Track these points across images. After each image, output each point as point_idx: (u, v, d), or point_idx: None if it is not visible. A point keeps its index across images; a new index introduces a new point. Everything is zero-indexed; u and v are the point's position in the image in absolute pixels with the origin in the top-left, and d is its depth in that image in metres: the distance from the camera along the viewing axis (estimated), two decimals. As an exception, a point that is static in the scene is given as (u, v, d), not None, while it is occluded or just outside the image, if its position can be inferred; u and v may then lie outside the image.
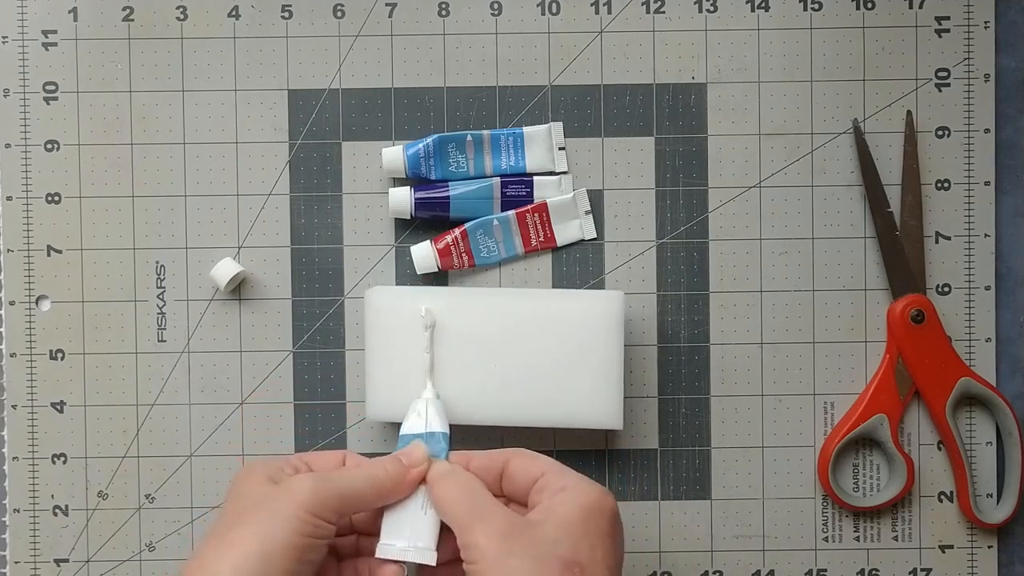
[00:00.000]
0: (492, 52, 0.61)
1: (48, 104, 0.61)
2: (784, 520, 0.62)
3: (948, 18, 0.62)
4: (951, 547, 0.62)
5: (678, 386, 0.62)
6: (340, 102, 0.62)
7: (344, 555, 0.52)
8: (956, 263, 0.62)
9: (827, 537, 0.62)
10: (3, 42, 0.61)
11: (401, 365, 0.56)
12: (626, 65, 0.62)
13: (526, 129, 0.61)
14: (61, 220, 0.61)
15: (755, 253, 0.62)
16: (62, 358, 0.61)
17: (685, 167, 0.62)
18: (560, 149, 0.61)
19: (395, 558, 0.49)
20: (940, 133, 0.62)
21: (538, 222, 0.61)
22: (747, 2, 0.62)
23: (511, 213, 0.61)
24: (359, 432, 0.61)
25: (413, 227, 0.62)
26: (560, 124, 0.61)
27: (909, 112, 0.61)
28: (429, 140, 0.60)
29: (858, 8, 0.62)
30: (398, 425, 0.61)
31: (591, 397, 0.57)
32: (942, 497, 0.62)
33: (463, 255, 0.61)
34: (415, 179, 0.61)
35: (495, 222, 0.61)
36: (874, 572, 0.62)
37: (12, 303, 0.61)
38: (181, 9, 0.61)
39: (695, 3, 0.62)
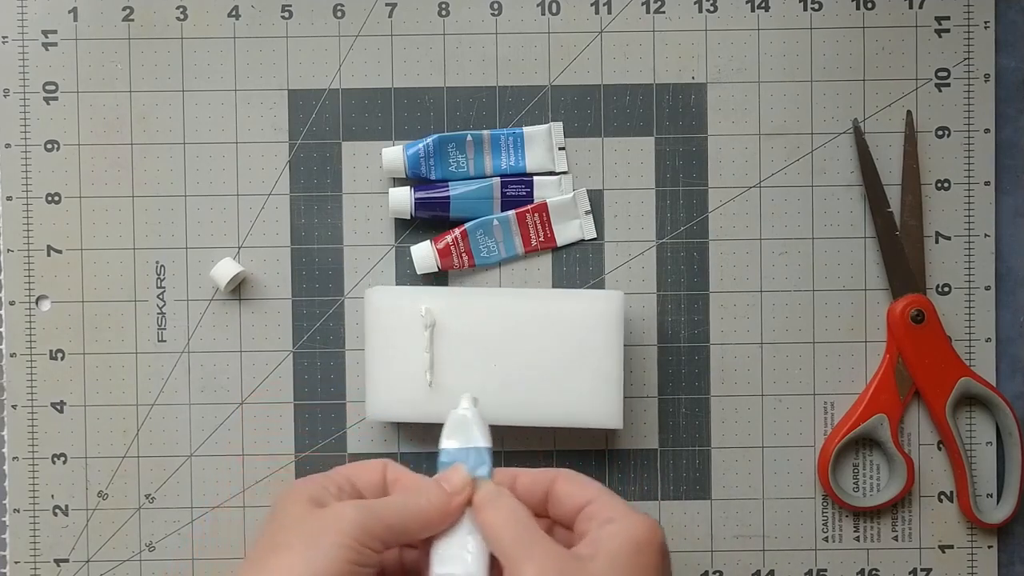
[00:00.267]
0: (492, 52, 0.61)
1: (48, 104, 0.61)
2: (784, 520, 0.62)
3: (948, 18, 0.62)
4: (951, 547, 0.62)
5: (678, 386, 0.62)
6: (340, 102, 0.62)
7: (389, 574, 0.51)
8: (956, 263, 0.62)
9: (827, 537, 0.62)
10: (3, 42, 0.61)
11: (401, 365, 0.56)
12: (626, 65, 0.62)
13: (526, 129, 0.61)
14: (61, 220, 0.61)
15: (755, 253, 0.62)
16: (62, 358, 0.61)
17: (685, 167, 0.62)
18: (560, 149, 0.61)
19: None
20: (940, 133, 0.62)
21: (538, 222, 0.61)
22: (747, 2, 0.62)
23: (511, 213, 0.61)
24: (359, 432, 0.61)
25: (413, 227, 0.62)
26: (560, 124, 0.61)
27: (909, 112, 0.61)
28: (429, 140, 0.60)
29: (858, 8, 0.62)
30: (398, 425, 0.61)
31: (591, 397, 0.57)
32: (942, 497, 0.62)
33: (463, 255, 0.61)
34: (415, 179, 0.61)
35: (495, 222, 0.61)
36: (874, 572, 0.62)
37: (12, 303, 0.61)
38: (181, 9, 0.61)
39: (695, 3, 0.62)
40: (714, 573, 0.62)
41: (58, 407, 0.61)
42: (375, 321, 0.57)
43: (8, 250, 0.61)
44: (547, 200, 0.61)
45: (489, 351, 0.57)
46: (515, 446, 0.61)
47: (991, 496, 0.62)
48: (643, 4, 0.62)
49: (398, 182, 0.61)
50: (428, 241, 0.61)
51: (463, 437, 0.49)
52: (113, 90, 0.61)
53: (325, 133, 0.62)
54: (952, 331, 0.61)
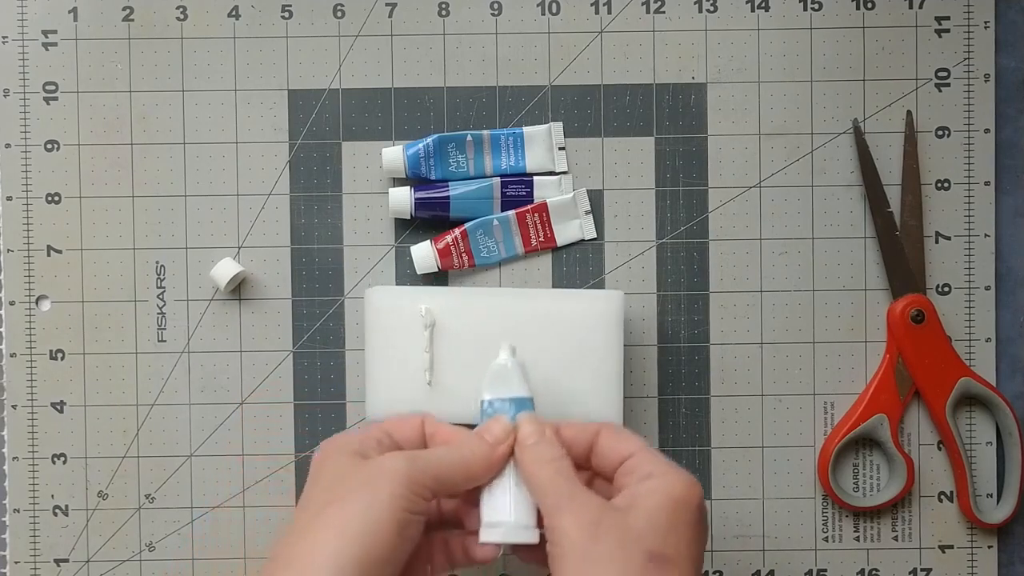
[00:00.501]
0: (492, 52, 0.61)
1: (48, 104, 0.61)
2: (784, 520, 0.62)
3: (948, 18, 0.62)
4: (951, 547, 0.62)
5: (678, 386, 0.62)
6: (340, 102, 0.62)
7: (430, 526, 0.51)
8: (956, 263, 0.62)
9: (827, 537, 0.62)
10: (3, 42, 0.61)
11: (401, 365, 0.56)
12: (626, 65, 0.62)
13: (526, 129, 0.61)
14: (61, 220, 0.61)
15: (755, 253, 0.62)
16: (62, 358, 0.61)
17: (685, 167, 0.62)
18: (560, 149, 0.61)
19: (499, 541, 0.48)
20: (940, 133, 0.62)
21: (538, 222, 0.61)
22: (747, 2, 0.62)
23: (511, 213, 0.61)
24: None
25: (413, 227, 0.62)
26: (560, 124, 0.61)
27: (909, 112, 0.61)
28: (429, 140, 0.60)
29: (858, 8, 0.62)
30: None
31: (591, 397, 0.56)
32: (942, 497, 0.62)
33: (463, 255, 0.61)
34: (415, 179, 0.61)
35: (495, 222, 0.61)
36: (874, 572, 0.62)
37: (12, 303, 0.61)
38: (181, 9, 0.61)
39: (695, 3, 0.62)
40: (714, 573, 0.62)
41: (58, 407, 0.61)
42: (375, 321, 0.57)
43: (8, 250, 0.61)
44: (547, 200, 0.61)
45: (489, 351, 0.56)
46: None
47: (991, 496, 0.62)
48: (643, 4, 0.62)
49: (398, 182, 0.61)
50: (428, 241, 0.61)
51: (504, 388, 0.50)
52: (113, 90, 0.61)
53: (325, 133, 0.62)
54: (952, 331, 0.61)
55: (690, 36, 0.62)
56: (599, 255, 0.62)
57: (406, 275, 0.62)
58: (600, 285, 0.62)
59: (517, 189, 0.61)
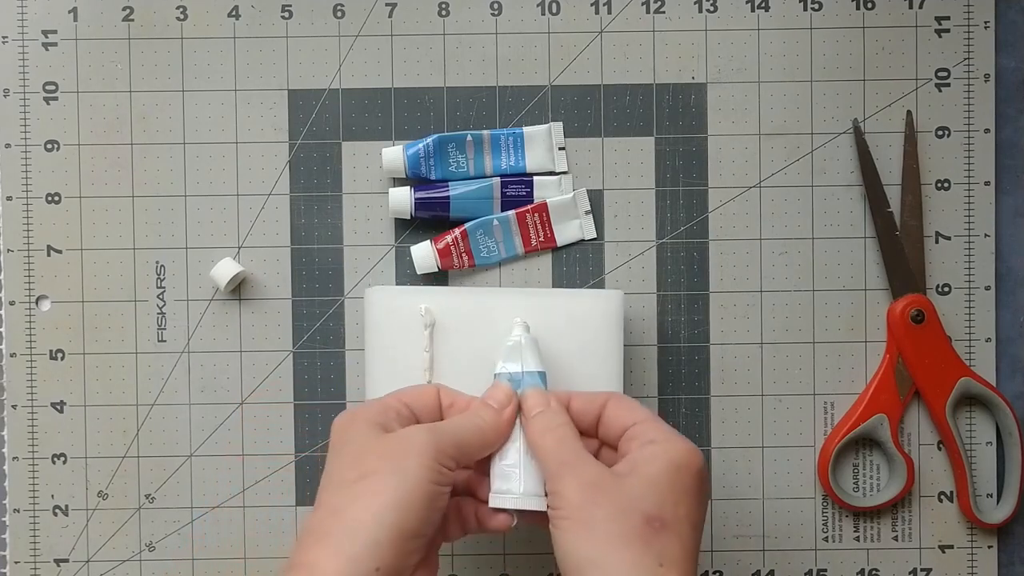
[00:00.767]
0: (492, 52, 0.61)
1: (48, 104, 0.61)
2: (784, 520, 0.62)
3: (948, 18, 0.62)
4: (951, 547, 0.62)
5: (678, 386, 0.62)
6: (340, 102, 0.62)
7: None
8: (956, 263, 0.62)
9: (827, 537, 0.62)
10: (3, 42, 0.61)
11: (401, 365, 0.56)
12: (626, 65, 0.62)
13: (526, 129, 0.61)
14: (61, 220, 0.61)
15: (755, 253, 0.62)
16: (62, 358, 0.61)
17: (685, 167, 0.62)
18: (560, 149, 0.61)
19: (508, 507, 0.50)
20: (940, 133, 0.62)
21: (538, 222, 0.61)
22: (747, 2, 0.62)
23: (511, 213, 0.61)
24: (359, 432, 0.61)
25: (413, 227, 0.62)
26: (560, 124, 0.61)
27: (909, 112, 0.61)
28: (429, 140, 0.60)
29: (858, 8, 0.62)
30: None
31: (591, 397, 0.56)
32: (942, 497, 0.62)
33: (463, 255, 0.61)
34: (415, 179, 0.61)
35: (495, 222, 0.61)
36: (874, 572, 0.62)
37: (12, 303, 0.61)
38: (181, 9, 0.61)
39: (695, 3, 0.62)
40: (714, 573, 0.62)
41: (58, 407, 0.61)
42: (375, 321, 0.57)
43: (8, 250, 0.61)
44: (547, 200, 0.61)
45: (489, 351, 0.56)
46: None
47: (991, 496, 0.62)
48: (643, 4, 0.62)
49: (398, 182, 0.61)
50: (428, 241, 0.61)
51: (516, 363, 0.51)
52: (113, 90, 0.61)
53: (325, 133, 0.62)
54: (952, 331, 0.61)
55: (690, 36, 0.62)
56: (599, 255, 0.62)
57: (406, 275, 0.62)
58: (600, 285, 0.62)
59: (517, 189, 0.61)
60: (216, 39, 0.61)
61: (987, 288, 0.62)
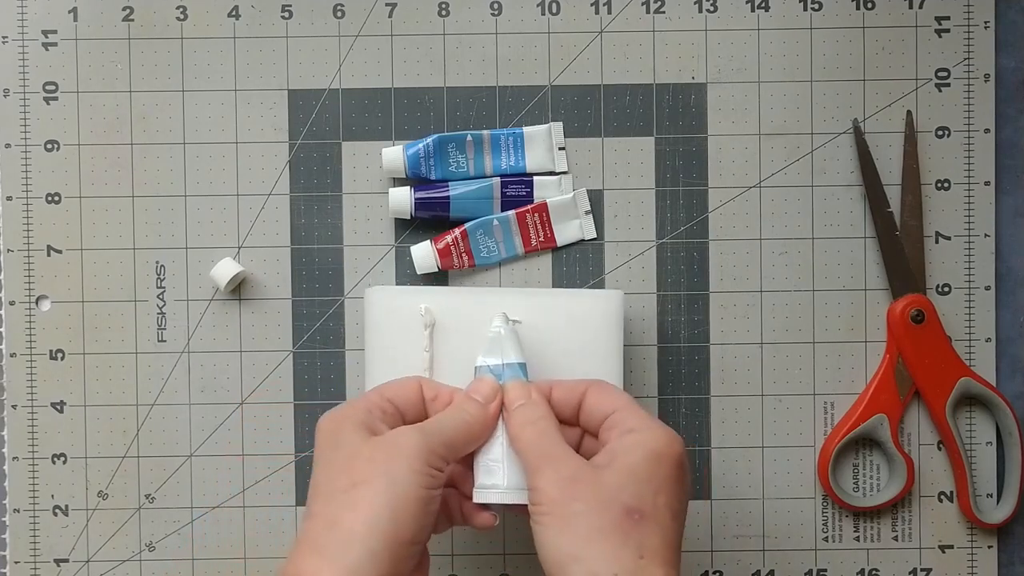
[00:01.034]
0: (492, 52, 0.61)
1: (48, 104, 0.61)
2: (784, 520, 0.62)
3: (948, 18, 0.62)
4: (951, 547, 0.62)
5: (678, 386, 0.62)
6: (340, 102, 0.62)
7: None
8: (956, 263, 0.62)
9: (827, 537, 0.62)
10: (3, 42, 0.61)
11: (401, 365, 0.56)
12: (626, 65, 0.62)
13: (526, 129, 0.61)
14: (61, 220, 0.61)
15: (755, 253, 0.62)
16: (62, 358, 0.61)
17: (685, 167, 0.62)
18: (560, 149, 0.61)
19: (493, 501, 0.50)
20: (940, 133, 0.62)
21: (538, 222, 0.61)
22: (747, 2, 0.62)
23: (511, 213, 0.61)
24: (359, 432, 0.61)
25: (413, 227, 0.62)
26: (560, 124, 0.61)
27: (909, 112, 0.61)
28: (429, 140, 0.60)
29: (858, 8, 0.62)
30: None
31: (591, 397, 0.56)
32: (942, 497, 0.62)
33: (463, 255, 0.61)
34: (415, 179, 0.61)
35: (495, 222, 0.61)
36: (874, 572, 0.62)
37: (12, 303, 0.61)
38: (181, 9, 0.61)
39: (695, 3, 0.62)
40: (714, 573, 0.62)
41: (58, 407, 0.61)
42: (375, 321, 0.57)
43: (8, 250, 0.61)
44: (547, 200, 0.61)
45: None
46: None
47: (991, 496, 0.62)
48: (643, 4, 0.62)
49: (398, 182, 0.61)
50: (428, 241, 0.61)
51: (498, 354, 0.51)
52: (113, 90, 0.61)
53: (325, 133, 0.62)
54: (952, 331, 0.61)
55: (690, 36, 0.62)
56: (599, 255, 0.62)
57: (406, 275, 0.62)
58: (600, 285, 0.62)
59: (517, 189, 0.61)
60: (216, 39, 0.61)
61: (987, 288, 0.62)
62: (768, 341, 0.62)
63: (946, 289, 0.62)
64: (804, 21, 0.62)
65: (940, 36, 0.62)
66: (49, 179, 0.61)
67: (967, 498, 0.61)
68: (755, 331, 0.62)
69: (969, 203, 0.62)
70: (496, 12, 0.61)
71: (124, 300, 0.61)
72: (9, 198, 0.61)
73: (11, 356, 0.61)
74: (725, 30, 0.62)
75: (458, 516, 0.52)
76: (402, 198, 0.60)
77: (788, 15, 0.62)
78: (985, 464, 0.62)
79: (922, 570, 0.62)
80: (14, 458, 0.61)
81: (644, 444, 0.46)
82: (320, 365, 0.62)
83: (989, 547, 0.62)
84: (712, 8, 0.62)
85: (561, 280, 0.62)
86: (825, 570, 0.62)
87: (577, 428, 0.51)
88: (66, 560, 0.61)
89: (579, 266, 0.62)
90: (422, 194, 0.60)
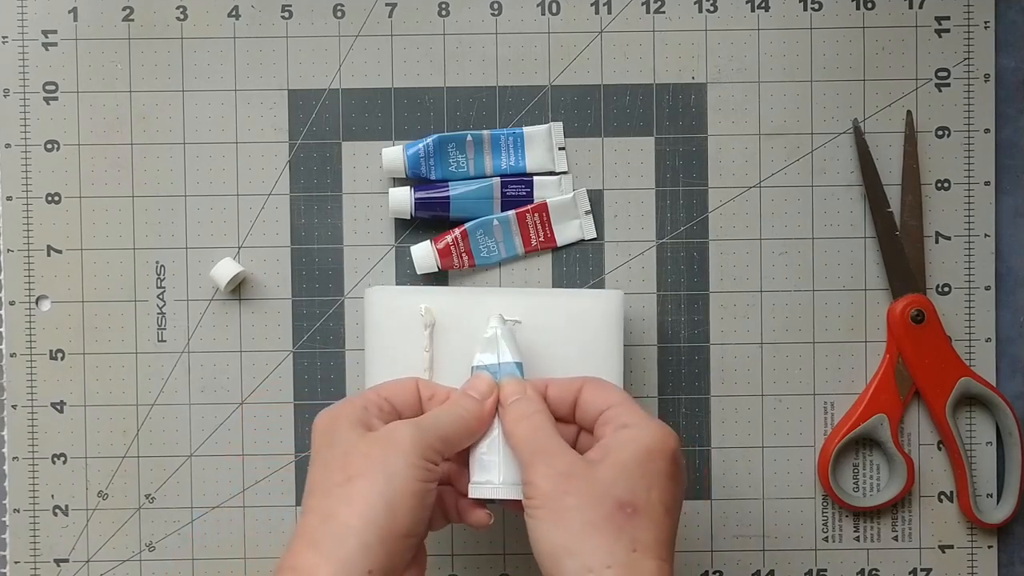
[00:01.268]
0: (492, 52, 0.62)
1: (48, 104, 0.61)
2: (784, 520, 0.62)
3: (948, 18, 0.62)
4: (951, 547, 0.62)
5: (678, 386, 0.62)
6: (340, 102, 0.62)
7: None
8: (956, 263, 0.62)
9: (827, 537, 0.62)
10: (3, 42, 0.61)
11: (401, 364, 0.56)
12: (626, 65, 0.62)
13: (526, 129, 0.61)
14: (61, 220, 0.61)
15: (755, 253, 0.62)
16: (62, 358, 0.61)
17: (685, 167, 0.62)
18: (560, 149, 0.61)
19: (488, 497, 0.50)
20: (940, 133, 0.62)
21: (538, 222, 0.61)
22: (747, 2, 0.62)
23: (511, 213, 0.61)
24: (359, 432, 0.61)
25: (413, 227, 0.62)
26: (560, 124, 0.61)
27: (909, 112, 0.61)
28: (429, 140, 0.60)
29: (858, 8, 0.62)
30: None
31: (591, 397, 0.56)
32: (942, 497, 0.62)
33: (463, 255, 0.61)
34: (415, 179, 0.61)
35: (495, 222, 0.61)
36: (874, 572, 0.62)
37: (12, 303, 0.61)
38: (181, 9, 0.61)
39: (695, 3, 0.62)
40: (714, 573, 0.62)
41: (58, 407, 0.61)
42: (375, 321, 0.57)
43: (8, 250, 0.61)
44: (547, 200, 0.61)
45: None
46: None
47: (991, 496, 0.62)
48: (643, 4, 0.62)
49: (398, 182, 0.61)
50: (428, 241, 0.61)
51: (493, 354, 0.52)
52: (113, 90, 0.61)
53: (325, 133, 0.62)
54: (952, 331, 0.61)
55: (690, 36, 0.62)
56: (599, 255, 0.62)
57: (406, 275, 0.62)
58: (600, 285, 0.62)
59: (517, 189, 0.61)
60: (216, 39, 0.61)
61: (987, 288, 0.62)
62: (768, 341, 0.62)
63: (946, 289, 0.62)
64: (804, 21, 0.62)
65: (940, 36, 0.62)
66: (49, 179, 0.61)
67: (967, 498, 0.61)
68: (755, 331, 0.62)
69: (969, 203, 0.62)
70: (496, 12, 0.62)
71: (124, 300, 0.61)
72: (9, 198, 0.61)
73: (11, 356, 0.61)
74: (725, 30, 0.62)
75: (454, 513, 0.52)
76: (402, 198, 0.60)
77: (788, 15, 0.62)
78: (985, 464, 0.62)
79: (922, 570, 0.62)
80: (14, 458, 0.61)
81: (638, 439, 0.47)
82: (320, 365, 0.62)
83: (989, 547, 0.62)
84: (712, 8, 0.62)
85: (561, 280, 0.62)
86: (825, 570, 0.62)
87: (573, 425, 0.51)
88: (66, 560, 0.61)
89: (579, 266, 0.62)
90: (422, 194, 0.60)
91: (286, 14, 0.62)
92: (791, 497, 0.62)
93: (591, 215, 0.61)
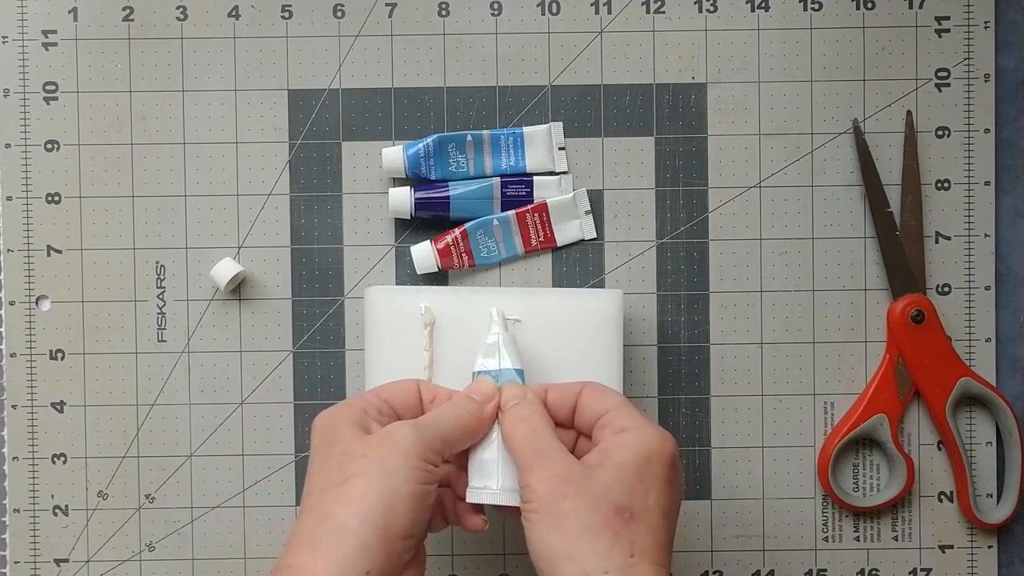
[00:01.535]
0: (492, 52, 0.62)
1: (48, 104, 0.61)
2: (784, 520, 0.62)
3: (948, 18, 0.62)
4: (951, 547, 0.62)
5: (678, 386, 0.62)
6: (340, 102, 0.62)
7: None
8: (956, 263, 0.62)
9: (827, 537, 0.62)
10: (3, 42, 0.61)
11: (401, 364, 0.56)
12: (626, 65, 0.62)
13: (526, 129, 0.61)
14: (61, 220, 0.61)
15: (755, 253, 0.62)
16: (62, 358, 0.61)
17: (685, 167, 0.62)
18: (560, 149, 0.61)
19: (486, 502, 0.50)
20: (940, 133, 0.62)
21: (538, 222, 0.61)
22: (747, 2, 0.62)
23: (511, 213, 0.61)
24: (359, 432, 0.61)
25: (413, 227, 0.62)
26: (560, 124, 0.61)
27: (909, 112, 0.61)
28: (429, 140, 0.60)
29: (858, 8, 0.62)
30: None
31: (591, 397, 0.56)
32: (942, 497, 0.62)
33: (463, 255, 0.61)
34: (415, 179, 0.61)
35: (495, 222, 0.61)
36: (874, 572, 0.62)
37: (12, 303, 0.61)
38: (181, 9, 0.61)
39: (695, 3, 0.62)
40: (714, 573, 0.62)
41: (58, 407, 0.61)
42: (375, 320, 0.57)
43: (8, 250, 0.61)
44: (547, 200, 0.61)
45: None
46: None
47: (991, 496, 0.62)
48: (643, 4, 0.62)
49: (398, 182, 0.61)
50: (428, 241, 0.61)
51: (494, 360, 0.52)
52: (113, 90, 0.61)
53: (325, 133, 0.62)
54: (952, 331, 0.61)
55: (690, 36, 0.62)
56: (599, 255, 0.62)
57: (406, 275, 0.62)
58: (600, 285, 0.62)
59: (517, 189, 0.61)
60: (216, 39, 0.61)
61: (987, 288, 0.62)
62: (768, 341, 0.62)
63: (946, 289, 0.62)
64: (804, 21, 0.62)
65: (940, 36, 0.62)
66: (49, 179, 0.61)
67: (967, 498, 0.61)
68: (755, 331, 0.62)
69: (969, 203, 0.62)
70: (496, 12, 0.62)
71: (124, 300, 0.61)
72: (9, 198, 0.61)
73: (11, 356, 0.61)
74: (725, 30, 0.62)
75: (452, 516, 0.52)
76: (402, 198, 0.60)
77: (788, 15, 0.62)
78: (985, 464, 0.62)
79: (922, 570, 0.62)
80: (14, 458, 0.61)
81: (636, 443, 0.47)
82: (320, 365, 0.62)
83: (989, 547, 0.62)
84: (712, 8, 0.62)
85: (561, 280, 0.62)
86: (825, 570, 0.62)
87: (572, 431, 0.51)
88: (66, 560, 0.61)
89: (579, 266, 0.62)
90: (422, 194, 0.60)
91: (286, 14, 0.62)
92: (791, 497, 0.62)
93: (591, 215, 0.61)
